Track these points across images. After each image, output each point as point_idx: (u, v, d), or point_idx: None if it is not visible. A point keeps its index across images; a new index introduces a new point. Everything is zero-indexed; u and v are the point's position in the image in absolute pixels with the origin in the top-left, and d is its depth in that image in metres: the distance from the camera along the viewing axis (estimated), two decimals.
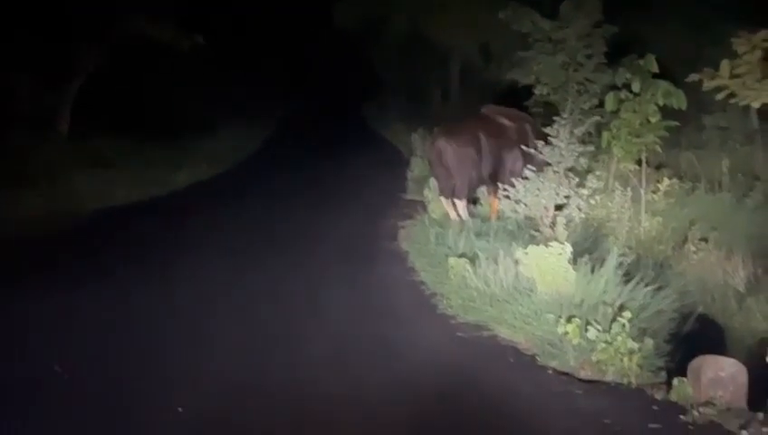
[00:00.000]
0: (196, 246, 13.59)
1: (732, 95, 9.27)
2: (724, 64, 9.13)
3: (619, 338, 8.19)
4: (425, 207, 15.58)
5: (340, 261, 12.72)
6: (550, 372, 8.32)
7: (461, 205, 14.35)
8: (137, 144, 22.15)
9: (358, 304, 10.63)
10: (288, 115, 37.08)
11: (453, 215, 14.29)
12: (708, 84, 9.38)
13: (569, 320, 8.67)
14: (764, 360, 7.10)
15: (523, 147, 14.18)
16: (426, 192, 16.25)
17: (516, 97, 17.86)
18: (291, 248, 13.49)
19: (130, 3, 21.39)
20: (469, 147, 14.32)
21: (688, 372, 7.69)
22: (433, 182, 15.49)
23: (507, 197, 13.88)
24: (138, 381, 7.85)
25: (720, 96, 9.46)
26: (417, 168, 19.72)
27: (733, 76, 9.12)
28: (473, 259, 11.09)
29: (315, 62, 43.15)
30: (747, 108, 12.88)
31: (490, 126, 14.69)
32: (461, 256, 11.34)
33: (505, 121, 14.77)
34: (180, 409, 7.17)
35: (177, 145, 23.82)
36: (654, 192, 14.63)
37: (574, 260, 10.02)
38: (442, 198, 14.64)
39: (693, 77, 9.60)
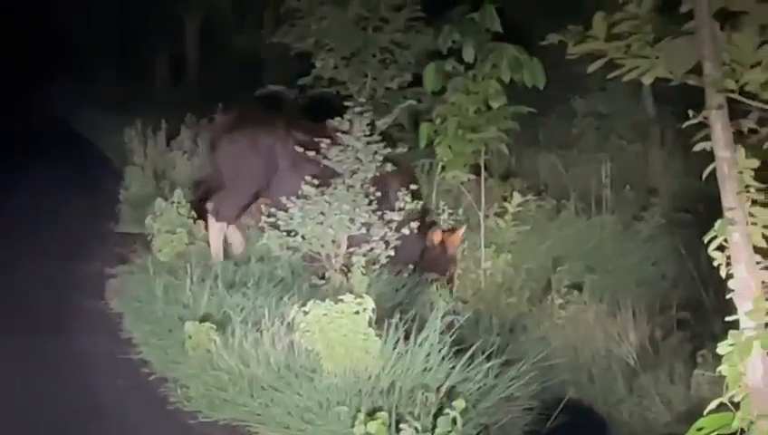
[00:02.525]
0: None
1: (612, 66, 9.38)
2: (598, 19, 9.14)
3: None
4: (147, 245, 15.32)
5: (14, 332, 12.35)
6: None
7: (231, 232, 14.32)
8: None
9: (42, 398, 10.33)
10: None
11: (215, 250, 14.19)
12: (574, 49, 9.41)
13: (371, 415, 8.68)
14: None
15: None
16: (148, 221, 15.93)
17: (286, 73, 17.84)
18: None
19: None
20: (257, 152, 14.10)
21: None
22: (160, 205, 15.24)
23: (275, 226, 13.71)
24: None
25: (593, 68, 9.54)
26: (134, 183, 19.47)
27: (612, 37, 9.20)
28: (223, 324, 11.01)
29: None
30: (638, 86, 13.24)
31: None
32: (204, 319, 11.22)
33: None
34: None
35: None
36: (499, 215, 14.85)
37: (379, 322, 10.07)
38: (212, 222, 14.40)
39: (552, 38, 9.64)
